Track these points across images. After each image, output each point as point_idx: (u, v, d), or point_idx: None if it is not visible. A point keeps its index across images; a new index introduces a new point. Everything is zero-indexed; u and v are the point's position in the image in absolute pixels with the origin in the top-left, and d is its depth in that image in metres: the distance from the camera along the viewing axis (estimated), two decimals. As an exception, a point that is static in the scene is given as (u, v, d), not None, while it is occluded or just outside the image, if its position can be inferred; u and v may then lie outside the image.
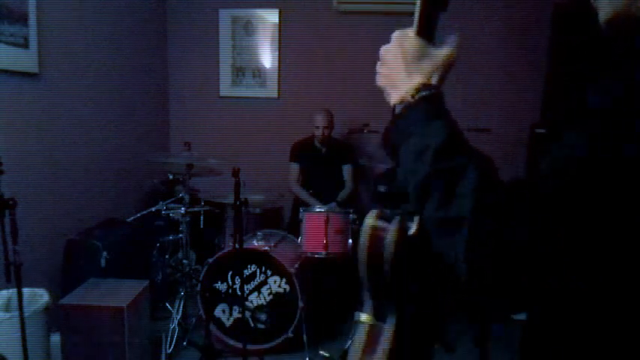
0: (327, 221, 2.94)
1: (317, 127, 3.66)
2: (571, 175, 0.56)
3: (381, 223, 1.07)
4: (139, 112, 3.87)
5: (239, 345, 2.61)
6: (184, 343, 2.84)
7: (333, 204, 3.41)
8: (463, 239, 0.61)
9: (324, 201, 3.53)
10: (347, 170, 3.83)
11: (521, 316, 0.76)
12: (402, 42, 0.79)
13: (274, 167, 3.94)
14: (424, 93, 0.73)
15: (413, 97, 0.74)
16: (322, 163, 3.79)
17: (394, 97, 0.79)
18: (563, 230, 0.56)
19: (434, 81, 0.76)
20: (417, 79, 0.75)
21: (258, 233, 3.01)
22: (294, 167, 3.81)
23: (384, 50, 0.81)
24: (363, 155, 4.04)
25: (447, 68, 0.78)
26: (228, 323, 2.90)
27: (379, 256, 1.02)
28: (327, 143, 3.75)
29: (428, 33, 0.79)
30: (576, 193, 0.55)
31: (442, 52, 0.77)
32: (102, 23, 3.29)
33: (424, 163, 0.67)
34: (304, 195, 3.68)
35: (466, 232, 0.61)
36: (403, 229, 1.01)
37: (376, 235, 1.05)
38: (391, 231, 1.03)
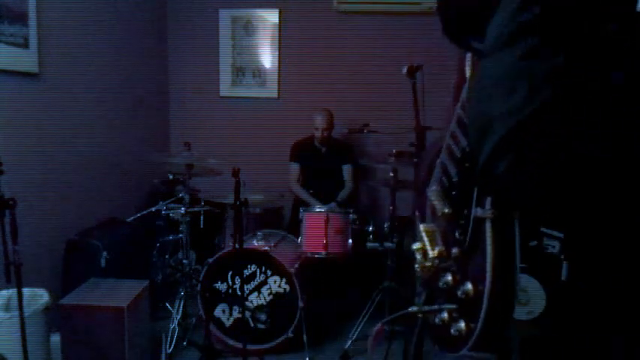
0: (327, 221, 2.94)
1: (316, 129, 3.66)
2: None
3: None
4: (139, 113, 3.87)
5: (239, 345, 2.61)
6: (184, 343, 2.84)
7: (333, 204, 3.41)
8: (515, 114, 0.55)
9: (324, 201, 3.53)
10: (347, 170, 3.83)
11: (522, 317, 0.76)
12: None
13: (274, 167, 3.93)
14: None
15: None
16: (322, 162, 3.79)
17: None
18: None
19: None
20: None
21: (258, 233, 3.01)
22: (294, 167, 3.81)
23: None
24: (364, 155, 4.05)
25: None
26: (228, 323, 2.90)
27: None
28: (327, 143, 3.75)
29: None
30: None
31: None
32: (102, 23, 3.28)
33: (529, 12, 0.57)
34: (304, 195, 3.68)
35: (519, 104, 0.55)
36: None
37: None
38: None
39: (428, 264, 0.96)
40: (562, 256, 2.30)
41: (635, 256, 0.56)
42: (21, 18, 2.50)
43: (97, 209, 3.24)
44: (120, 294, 2.44)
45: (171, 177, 3.31)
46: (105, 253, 2.82)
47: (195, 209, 3.08)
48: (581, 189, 0.56)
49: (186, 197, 3.00)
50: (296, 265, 2.88)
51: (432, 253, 0.96)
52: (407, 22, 3.92)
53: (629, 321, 0.61)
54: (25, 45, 2.55)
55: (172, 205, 3.06)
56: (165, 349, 2.73)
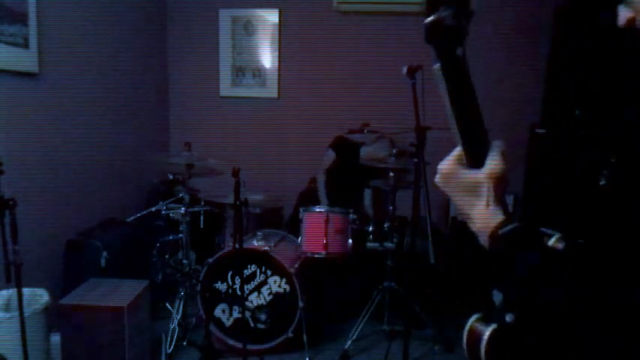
0: (326, 221, 2.94)
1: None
2: None
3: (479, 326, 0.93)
4: (139, 112, 3.87)
5: (239, 345, 2.61)
6: (184, 343, 2.83)
7: None
8: None
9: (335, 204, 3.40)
10: (368, 195, 3.58)
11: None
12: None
13: (274, 167, 3.93)
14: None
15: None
16: (353, 171, 3.54)
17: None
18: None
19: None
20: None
21: (258, 233, 3.01)
22: (331, 154, 3.60)
23: None
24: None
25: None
26: (228, 323, 2.90)
27: None
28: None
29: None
30: None
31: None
32: (102, 23, 3.28)
33: None
34: (322, 189, 3.55)
35: None
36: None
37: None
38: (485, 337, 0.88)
39: None
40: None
41: (635, 257, 0.56)
42: (21, 18, 2.50)
43: (97, 209, 3.24)
44: (120, 294, 2.44)
45: (171, 177, 3.31)
46: (105, 253, 2.81)
47: (195, 209, 3.08)
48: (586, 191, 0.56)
49: (186, 197, 3.00)
50: (296, 265, 2.88)
51: None
52: (407, 22, 3.92)
53: (629, 320, 0.61)
54: (25, 45, 2.55)
55: (172, 205, 3.05)
56: (165, 349, 2.73)
